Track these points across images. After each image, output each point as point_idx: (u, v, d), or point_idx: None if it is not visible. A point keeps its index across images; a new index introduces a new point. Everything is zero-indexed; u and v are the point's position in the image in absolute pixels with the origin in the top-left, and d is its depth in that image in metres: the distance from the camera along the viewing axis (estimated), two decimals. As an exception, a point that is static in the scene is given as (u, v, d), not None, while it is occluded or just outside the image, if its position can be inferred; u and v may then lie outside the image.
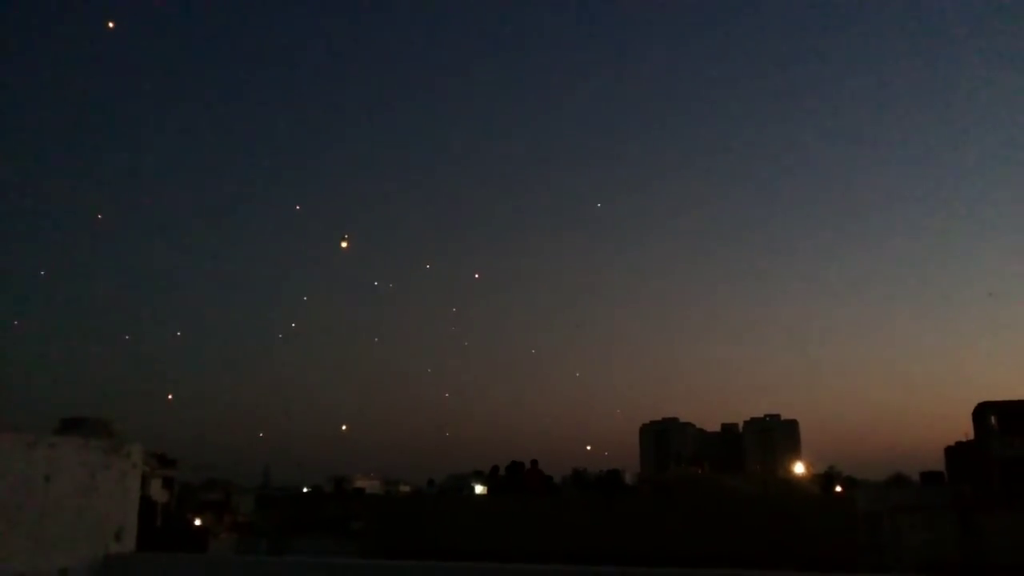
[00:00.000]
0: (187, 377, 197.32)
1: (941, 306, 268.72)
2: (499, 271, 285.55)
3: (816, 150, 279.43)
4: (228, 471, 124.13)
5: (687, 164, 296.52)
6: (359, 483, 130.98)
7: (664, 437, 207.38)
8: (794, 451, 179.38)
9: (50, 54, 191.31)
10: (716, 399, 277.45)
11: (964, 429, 54.15)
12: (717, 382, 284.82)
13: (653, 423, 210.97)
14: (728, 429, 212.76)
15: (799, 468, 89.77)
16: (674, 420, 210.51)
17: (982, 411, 47.35)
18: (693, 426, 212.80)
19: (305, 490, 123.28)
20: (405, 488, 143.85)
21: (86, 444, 3.53)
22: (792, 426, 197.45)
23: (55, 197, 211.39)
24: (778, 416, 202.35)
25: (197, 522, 55.83)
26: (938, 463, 57.72)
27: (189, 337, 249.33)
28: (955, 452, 55.20)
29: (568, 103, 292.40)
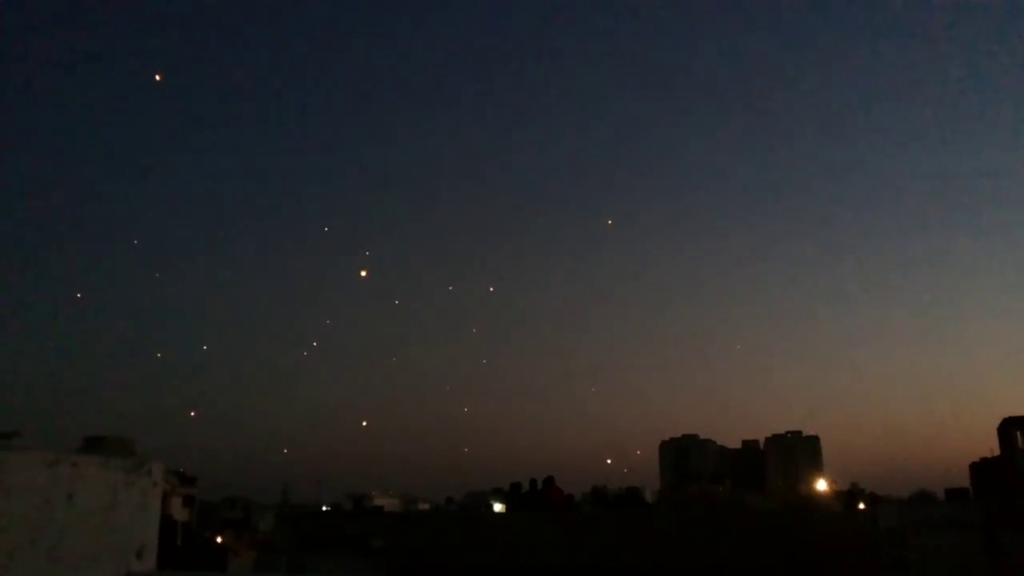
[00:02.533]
0: (208, 396, 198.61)
1: (965, 322, 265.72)
2: (519, 289, 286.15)
3: (833, 167, 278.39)
4: (247, 489, 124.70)
5: (705, 182, 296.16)
6: (378, 501, 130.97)
7: (684, 454, 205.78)
8: (816, 468, 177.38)
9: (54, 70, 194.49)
10: (737, 415, 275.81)
11: (990, 445, 53.40)
12: (738, 398, 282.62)
13: (673, 440, 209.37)
14: (749, 446, 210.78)
15: (821, 485, 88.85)
16: (694, 437, 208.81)
17: (1008, 427, 46.71)
18: (714, 443, 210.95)
19: (324, 508, 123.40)
20: (424, 506, 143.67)
21: (108, 463, 3.57)
22: (814, 442, 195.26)
23: (85, 221, 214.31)
24: (800, 433, 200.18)
25: (217, 540, 55.95)
26: (963, 479, 56.94)
27: (210, 357, 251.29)
28: (981, 468, 54.41)
29: (576, 127, 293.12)
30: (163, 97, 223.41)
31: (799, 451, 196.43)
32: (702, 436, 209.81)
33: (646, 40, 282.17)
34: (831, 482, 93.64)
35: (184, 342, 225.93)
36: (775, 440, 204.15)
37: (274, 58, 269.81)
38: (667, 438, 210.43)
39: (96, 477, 3.33)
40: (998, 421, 49.91)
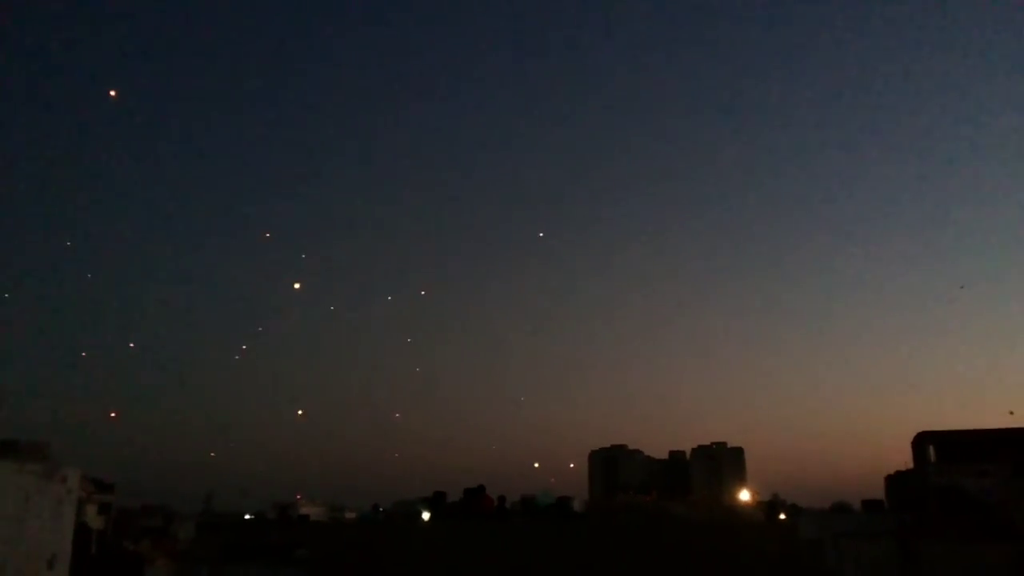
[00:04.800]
0: (130, 399, 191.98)
1: (883, 339, 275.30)
2: (453, 299, 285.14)
3: (757, 179, 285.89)
4: (168, 497, 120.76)
5: (635, 197, 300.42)
6: (304, 509, 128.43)
7: (613, 464, 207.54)
8: (740, 478, 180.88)
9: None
10: (664, 426, 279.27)
11: (904, 458, 55.15)
12: (666, 409, 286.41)
13: (602, 449, 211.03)
14: (676, 456, 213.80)
15: (744, 495, 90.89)
16: (623, 447, 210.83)
17: (921, 441, 48.38)
18: (641, 453, 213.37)
19: (247, 517, 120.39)
20: (351, 514, 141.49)
21: (21, 469, 3.42)
22: (738, 454, 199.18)
23: (16, 221, 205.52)
24: (725, 444, 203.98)
25: (135, 549, 54.01)
26: (879, 491, 58.70)
27: (135, 358, 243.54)
28: (895, 481, 56.21)
29: (510, 140, 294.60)
30: (97, 98, 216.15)
31: (724, 462, 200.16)
32: (630, 446, 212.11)
33: (617, 32, 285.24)
34: (754, 493, 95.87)
35: (107, 342, 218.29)
36: (701, 451, 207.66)
37: (214, 63, 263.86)
38: (596, 448, 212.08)
39: (7, 483, 3.17)
40: (912, 435, 51.71)
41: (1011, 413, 44.61)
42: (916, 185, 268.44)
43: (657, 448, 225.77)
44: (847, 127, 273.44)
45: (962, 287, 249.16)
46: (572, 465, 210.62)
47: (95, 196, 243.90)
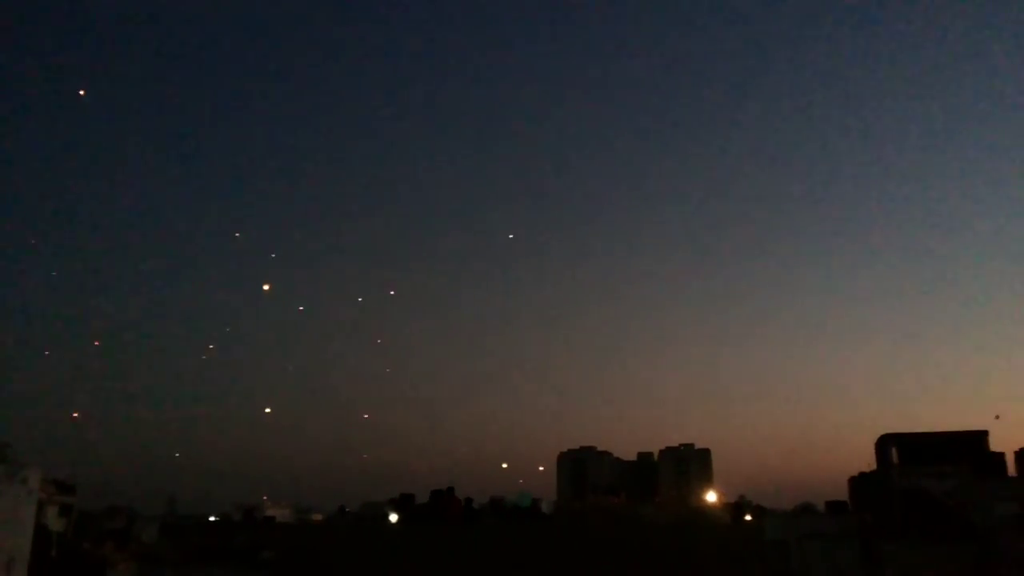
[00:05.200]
0: (91, 401, 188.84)
1: (847, 342, 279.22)
2: (423, 301, 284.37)
3: (717, 180, 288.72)
4: (131, 498, 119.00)
5: (604, 199, 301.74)
6: (269, 511, 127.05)
7: (581, 466, 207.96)
8: (707, 480, 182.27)
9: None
10: (633, 428, 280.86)
11: (867, 460, 55.91)
12: (634, 411, 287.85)
13: (571, 451, 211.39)
14: (644, 458, 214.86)
15: (711, 497, 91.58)
16: (592, 449, 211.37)
17: (884, 443, 49.10)
18: (610, 455, 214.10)
19: (212, 519, 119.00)
20: (317, 516, 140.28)
21: (-22, 469, 3.34)
22: (705, 455, 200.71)
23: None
24: (692, 446, 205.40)
25: (97, 552, 53.14)
26: (843, 493, 59.42)
27: (98, 358, 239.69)
28: (858, 482, 56.96)
29: (479, 138, 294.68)
30: (65, 96, 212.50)
31: (691, 463, 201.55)
32: (599, 448, 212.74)
33: (582, 36, 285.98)
34: (720, 494, 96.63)
35: (71, 342, 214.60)
36: (668, 452, 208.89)
37: (180, 62, 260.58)
38: (565, 450, 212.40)
39: (-35, 484, 3.10)
40: (875, 438, 52.47)
41: (997, 417, 45.51)
42: (883, 190, 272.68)
43: (626, 450, 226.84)
44: (818, 125, 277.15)
45: (924, 292, 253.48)
46: (542, 468, 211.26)
47: (60, 195, 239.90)
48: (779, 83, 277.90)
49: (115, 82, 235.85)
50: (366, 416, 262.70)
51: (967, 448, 44.42)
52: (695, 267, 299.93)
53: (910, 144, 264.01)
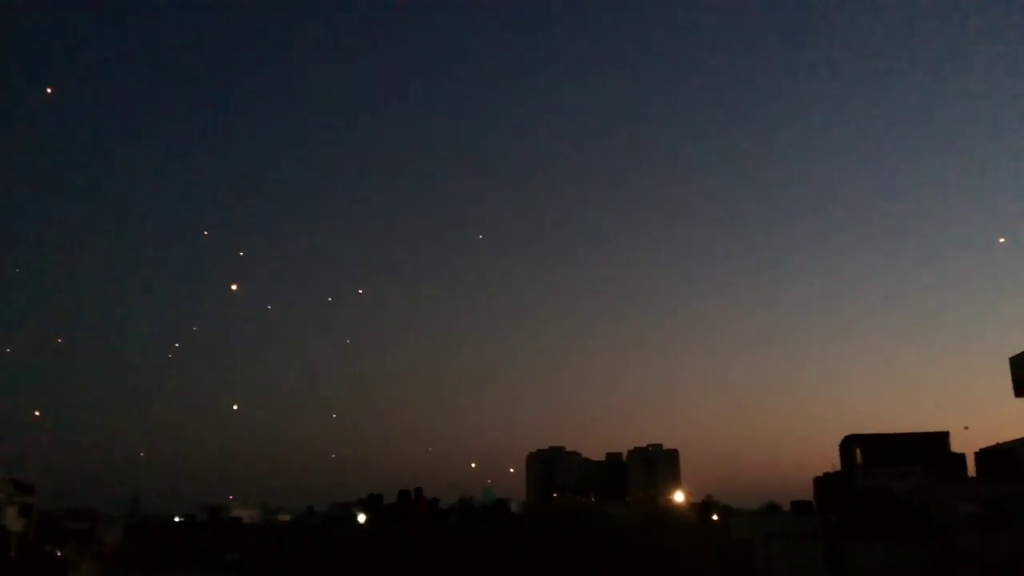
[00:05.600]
0: (52, 399, 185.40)
1: (812, 342, 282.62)
2: (394, 299, 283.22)
3: (697, 185, 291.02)
4: (94, 499, 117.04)
5: (571, 200, 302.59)
6: (236, 512, 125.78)
7: (550, 465, 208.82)
8: (675, 480, 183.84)
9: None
10: (602, 428, 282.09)
11: (832, 460, 56.80)
12: (603, 411, 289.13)
13: (540, 451, 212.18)
14: (613, 458, 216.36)
15: (679, 497, 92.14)
16: (560, 448, 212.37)
17: (848, 444, 49.90)
18: (579, 455, 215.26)
19: (177, 519, 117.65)
20: (285, 517, 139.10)
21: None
22: (673, 455, 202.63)
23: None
24: (660, 446, 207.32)
25: (58, 553, 52.23)
26: (808, 493, 60.27)
27: (61, 354, 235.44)
28: (823, 482, 57.86)
29: (459, 147, 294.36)
30: (31, 92, 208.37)
31: (659, 464, 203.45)
32: (568, 448, 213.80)
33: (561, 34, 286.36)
34: (688, 494, 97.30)
35: (32, 338, 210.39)
36: (637, 452, 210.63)
37: (150, 58, 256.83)
38: (534, 450, 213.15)
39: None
40: (840, 439, 53.28)
41: (966, 428, 46.63)
42: (844, 194, 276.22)
43: (595, 450, 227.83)
44: (784, 126, 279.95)
45: (886, 296, 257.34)
46: (512, 470, 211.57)
47: (25, 190, 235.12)
48: (734, 89, 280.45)
49: (82, 80, 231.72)
50: (335, 416, 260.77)
51: (929, 449, 45.30)
52: (663, 268, 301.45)
53: (874, 146, 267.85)
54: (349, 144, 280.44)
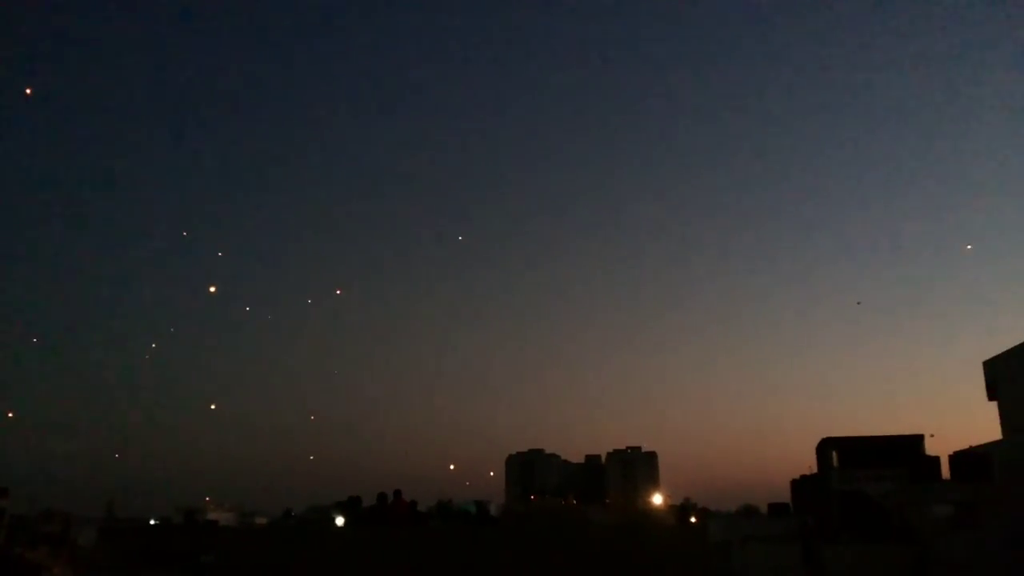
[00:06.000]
0: (26, 400, 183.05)
1: (789, 347, 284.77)
2: (372, 300, 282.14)
3: (669, 187, 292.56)
4: (68, 501, 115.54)
5: (550, 201, 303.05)
6: (212, 515, 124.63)
7: (530, 468, 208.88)
8: (653, 482, 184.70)
9: None
10: (581, 430, 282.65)
11: (808, 463, 57.15)
12: (583, 414, 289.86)
13: (519, 454, 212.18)
14: (592, 460, 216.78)
15: (657, 499, 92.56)
16: (540, 451, 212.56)
17: (824, 447, 50.19)
18: (558, 457, 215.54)
19: (153, 522, 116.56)
20: (261, 520, 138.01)
21: (-95, 474, 3.20)
22: (652, 458, 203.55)
23: None
24: (639, 448, 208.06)
25: (30, 557, 51.54)
26: (785, 495, 60.56)
27: (36, 354, 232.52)
28: (800, 485, 58.17)
29: (438, 148, 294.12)
30: (8, 92, 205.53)
31: (638, 466, 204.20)
32: (547, 451, 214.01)
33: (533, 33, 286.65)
34: (666, 496, 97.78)
35: (5, 338, 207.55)
36: (616, 455, 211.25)
37: (128, 60, 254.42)
38: (513, 452, 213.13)
39: None
40: (816, 442, 53.60)
41: (931, 435, 47.19)
42: (824, 198, 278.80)
43: (574, 452, 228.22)
44: (759, 137, 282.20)
45: (859, 303, 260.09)
46: (492, 473, 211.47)
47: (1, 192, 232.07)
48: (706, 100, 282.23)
49: (61, 83, 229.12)
50: (312, 417, 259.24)
51: (904, 452, 45.66)
52: (641, 272, 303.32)
53: (848, 154, 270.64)
54: (327, 145, 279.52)
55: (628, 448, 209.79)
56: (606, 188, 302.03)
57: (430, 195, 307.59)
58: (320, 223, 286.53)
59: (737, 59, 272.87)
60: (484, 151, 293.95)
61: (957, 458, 40.62)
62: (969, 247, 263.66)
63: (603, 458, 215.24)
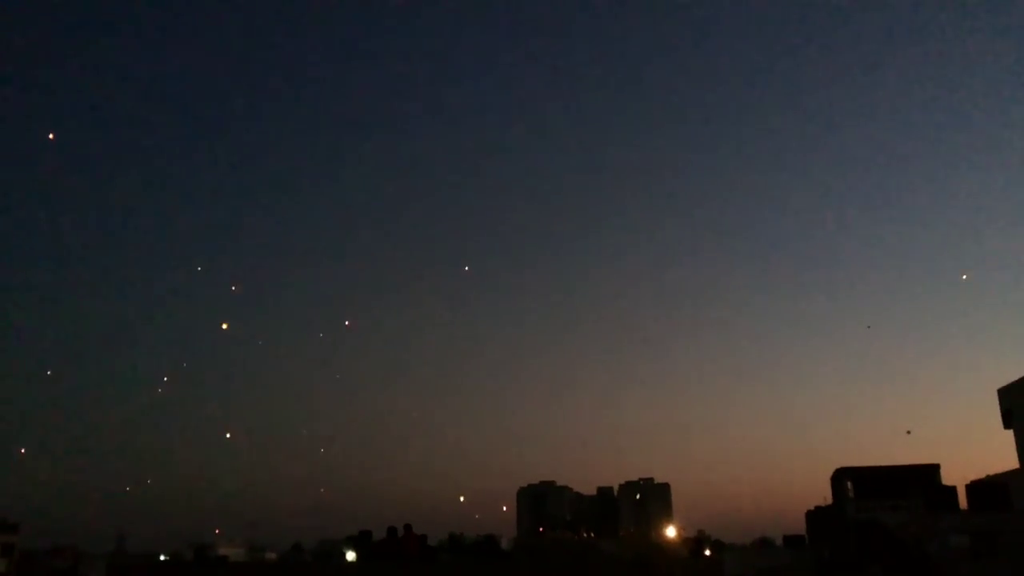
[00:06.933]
0: (37, 435, 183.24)
1: (802, 378, 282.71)
2: (380, 331, 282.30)
3: (681, 215, 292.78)
4: (77, 537, 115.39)
5: (551, 238, 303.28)
6: (222, 550, 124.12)
7: (541, 501, 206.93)
8: (666, 514, 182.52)
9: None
10: (593, 462, 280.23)
11: (823, 494, 56.60)
12: (594, 446, 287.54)
13: (531, 486, 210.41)
14: (604, 492, 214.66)
15: (671, 532, 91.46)
16: (551, 483, 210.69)
17: (839, 477, 49.73)
18: (570, 489, 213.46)
19: (163, 557, 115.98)
20: (271, 555, 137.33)
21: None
22: (664, 489, 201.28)
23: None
24: (652, 480, 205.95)
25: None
26: (800, 526, 59.92)
27: (46, 389, 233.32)
28: (815, 516, 57.50)
29: (443, 182, 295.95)
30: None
31: (650, 498, 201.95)
32: (559, 482, 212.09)
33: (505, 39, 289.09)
34: (679, 529, 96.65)
35: (16, 372, 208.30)
36: (628, 487, 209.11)
37: (138, 86, 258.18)
38: (524, 484, 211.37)
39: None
40: (831, 471, 53.13)
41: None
42: (836, 224, 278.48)
43: (586, 484, 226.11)
44: (763, 163, 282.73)
45: (869, 327, 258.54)
46: (505, 508, 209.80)
47: (10, 221, 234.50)
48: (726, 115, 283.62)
49: (75, 106, 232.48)
50: (323, 451, 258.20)
51: (920, 481, 45.23)
52: (654, 305, 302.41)
53: (858, 177, 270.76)
54: (338, 180, 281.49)
55: (640, 480, 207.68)
56: (620, 222, 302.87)
57: (442, 228, 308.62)
58: (331, 258, 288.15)
59: (722, 90, 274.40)
60: (495, 182, 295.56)
61: (974, 487, 40.18)
62: (964, 276, 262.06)
63: (615, 490, 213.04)
